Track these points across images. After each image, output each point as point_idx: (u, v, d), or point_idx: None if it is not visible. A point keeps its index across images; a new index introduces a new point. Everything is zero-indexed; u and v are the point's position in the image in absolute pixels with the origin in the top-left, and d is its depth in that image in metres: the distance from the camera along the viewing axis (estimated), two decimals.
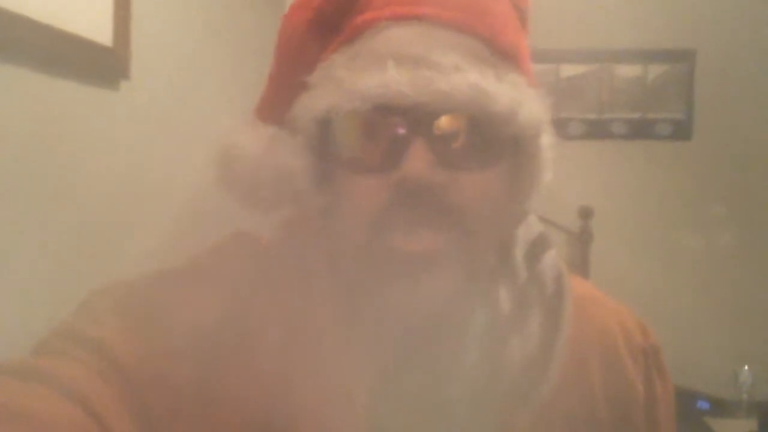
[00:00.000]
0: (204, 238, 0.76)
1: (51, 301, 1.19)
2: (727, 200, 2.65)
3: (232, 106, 1.99)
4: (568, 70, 2.71)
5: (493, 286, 0.71)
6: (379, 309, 0.65)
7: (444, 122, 0.60)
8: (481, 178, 0.63)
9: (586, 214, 2.66)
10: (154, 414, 0.59)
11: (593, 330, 0.74)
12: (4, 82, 1.15)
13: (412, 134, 0.60)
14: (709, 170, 2.68)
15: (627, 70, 2.73)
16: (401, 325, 0.65)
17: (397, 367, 0.66)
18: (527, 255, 0.74)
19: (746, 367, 2.44)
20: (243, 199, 0.70)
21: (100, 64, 1.42)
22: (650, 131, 2.73)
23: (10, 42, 1.14)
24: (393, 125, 0.60)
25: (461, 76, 0.59)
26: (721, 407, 2.43)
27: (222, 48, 2.08)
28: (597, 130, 2.72)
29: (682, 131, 2.72)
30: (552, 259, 0.74)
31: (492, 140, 0.63)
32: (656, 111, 2.73)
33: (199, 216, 1.78)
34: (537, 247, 0.75)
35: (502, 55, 0.64)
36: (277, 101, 0.69)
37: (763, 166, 2.67)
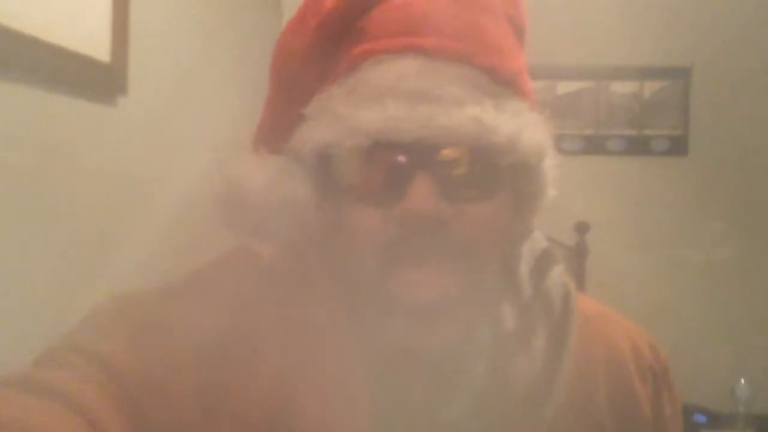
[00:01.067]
0: (200, 250, 0.76)
1: (49, 306, 1.19)
2: (723, 215, 2.65)
3: (229, 122, 2.00)
4: (565, 87, 2.73)
5: (498, 304, 0.71)
6: (379, 346, 0.64)
7: (446, 155, 0.60)
8: (485, 208, 0.62)
9: (582, 229, 2.66)
10: (158, 427, 0.59)
11: (601, 348, 0.73)
12: (2, 97, 1.15)
13: (414, 168, 0.59)
14: (706, 185, 2.69)
15: (623, 87, 2.75)
16: (407, 360, 0.65)
17: (401, 384, 0.66)
18: (532, 272, 0.73)
19: (743, 381, 2.44)
20: (248, 231, 0.68)
21: (98, 80, 1.42)
22: (647, 147, 2.74)
23: (7, 57, 1.15)
24: (395, 159, 0.60)
25: (461, 111, 0.59)
26: (717, 421, 2.42)
27: (219, 64, 2.09)
28: (594, 146, 2.73)
29: (678, 147, 2.73)
30: (559, 276, 0.73)
31: (494, 169, 0.62)
32: (652, 127, 2.74)
33: (195, 229, 1.78)
34: (542, 264, 0.74)
35: (502, 83, 0.64)
36: (276, 130, 0.68)
37: (759, 181, 2.68)
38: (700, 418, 2.41)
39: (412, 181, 0.59)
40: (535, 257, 0.74)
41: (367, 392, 0.64)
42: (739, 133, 2.68)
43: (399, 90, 0.59)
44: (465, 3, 0.64)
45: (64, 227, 1.32)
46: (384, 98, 0.59)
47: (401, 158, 0.60)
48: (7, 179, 1.16)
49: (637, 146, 2.74)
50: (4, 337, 1.09)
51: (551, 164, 0.68)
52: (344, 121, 0.60)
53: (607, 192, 2.67)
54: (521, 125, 0.62)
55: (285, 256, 0.73)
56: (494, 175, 0.63)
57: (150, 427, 0.58)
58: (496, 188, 0.63)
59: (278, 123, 0.68)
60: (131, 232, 1.56)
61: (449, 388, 0.66)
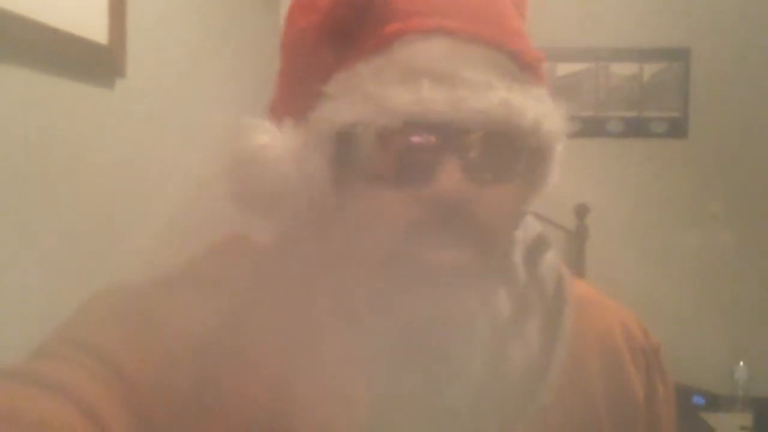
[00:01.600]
0: (199, 236, 0.76)
1: (47, 296, 1.19)
2: (722, 198, 2.66)
3: (228, 104, 1.99)
4: (565, 69, 2.72)
5: (494, 289, 0.71)
6: (398, 321, 0.63)
7: (475, 138, 0.60)
8: (503, 191, 0.63)
9: (582, 211, 2.67)
10: (155, 419, 0.59)
11: (593, 332, 0.74)
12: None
13: (443, 151, 0.59)
14: (705, 168, 2.69)
15: (623, 69, 2.74)
16: (416, 337, 0.64)
17: (399, 371, 0.66)
18: (526, 257, 0.74)
19: (742, 363, 2.45)
20: (259, 207, 0.67)
21: (96, 62, 1.42)
22: (646, 129, 2.74)
23: (5, 40, 1.14)
24: (424, 141, 0.60)
25: (493, 94, 0.59)
26: (716, 402, 2.44)
27: (218, 45, 2.08)
28: (593, 128, 2.73)
29: (677, 129, 2.73)
30: (552, 261, 0.73)
31: (515, 153, 0.63)
32: (652, 109, 2.74)
33: (195, 214, 1.78)
34: (536, 249, 0.74)
35: (526, 68, 0.64)
36: (292, 105, 0.67)
37: (758, 164, 2.68)
38: (699, 400, 2.43)
39: (441, 163, 0.59)
40: (529, 242, 0.74)
41: (365, 381, 0.64)
42: (739, 115, 2.68)
43: (431, 71, 0.59)
44: None
45: (63, 210, 1.32)
46: (417, 79, 0.59)
47: (430, 140, 0.59)
48: (4, 162, 1.16)
49: (637, 128, 2.74)
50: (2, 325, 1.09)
51: (561, 150, 0.68)
52: (375, 100, 0.59)
53: (606, 174, 2.67)
54: (544, 110, 0.63)
55: (282, 243, 0.73)
56: (516, 158, 0.63)
57: (147, 418, 0.58)
58: (515, 172, 0.64)
59: (294, 98, 0.67)
60: (130, 215, 1.55)
61: (446, 374, 0.67)
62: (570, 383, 0.69)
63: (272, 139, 0.65)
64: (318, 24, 0.65)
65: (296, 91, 0.68)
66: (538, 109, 0.62)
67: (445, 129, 0.59)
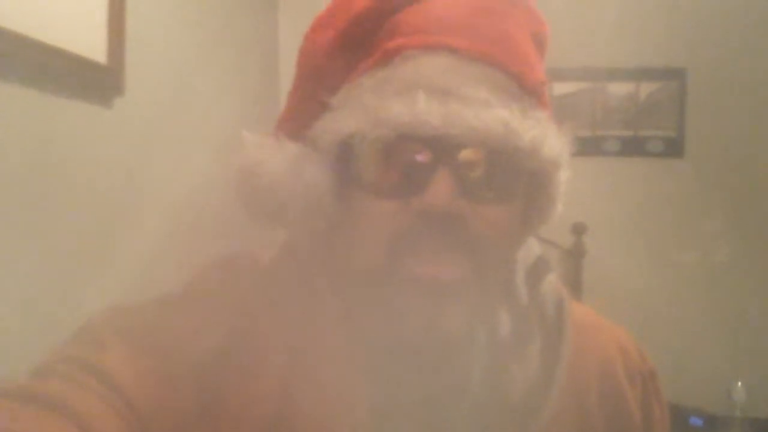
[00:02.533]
0: (199, 250, 0.76)
1: (47, 311, 1.19)
2: (719, 216, 2.66)
3: (227, 123, 2.00)
4: (561, 88, 2.73)
5: (495, 310, 0.71)
6: (390, 333, 0.64)
7: (469, 154, 0.60)
8: (500, 211, 0.63)
9: (579, 230, 2.67)
10: None
11: (593, 356, 0.74)
12: None
13: (437, 163, 0.60)
14: (701, 187, 2.70)
15: (619, 88, 2.75)
16: (411, 350, 0.65)
17: (399, 389, 0.66)
18: (527, 279, 0.74)
19: (740, 384, 2.44)
20: (265, 216, 0.68)
21: (95, 81, 1.42)
22: (642, 148, 2.74)
23: (3, 58, 1.14)
24: (418, 153, 0.60)
25: (490, 112, 0.59)
26: (714, 423, 2.42)
27: (216, 65, 2.08)
28: (590, 148, 2.73)
29: (673, 148, 2.73)
30: (552, 283, 0.74)
31: (513, 174, 0.63)
32: (648, 128, 2.75)
33: (193, 231, 1.78)
34: (537, 271, 0.74)
35: (528, 91, 0.64)
36: (299, 118, 0.68)
37: (754, 182, 2.68)
38: (697, 421, 2.42)
39: (433, 176, 0.59)
40: (529, 264, 0.74)
41: (366, 397, 0.64)
42: (735, 134, 2.68)
43: (429, 86, 0.60)
44: (495, 12, 0.65)
45: (62, 229, 1.32)
46: (414, 93, 0.59)
47: (424, 153, 0.60)
48: (4, 180, 1.16)
49: (633, 147, 2.75)
50: (5, 335, 1.09)
51: (564, 177, 0.68)
52: (371, 111, 0.60)
53: (602, 193, 2.67)
54: (544, 133, 0.63)
55: (283, 259, 0.73)
56: (513, 179, 0.63)
57: None
58: (513, 193, 0.64)
59: (301, 111, 0.68)
60: (129, 233, 1.55)
61: (447, 392, 0.66)
62: (569, 406, 0.70)
63: (270, 154, 0.67)
64: (332, 40, 0.66)
65: (305, 104, 0.68)
66: (537, 131, 0.62)
67: (440, 143, 0.59)
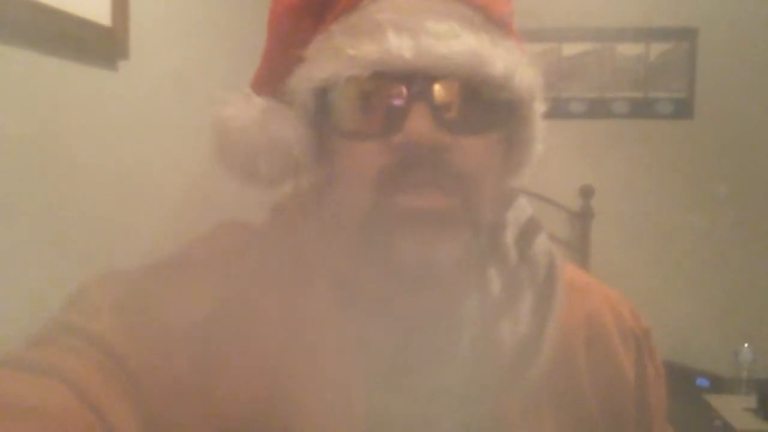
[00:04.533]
0: (202, 220, 0.76)
1: (46, 278, 1.19)
2: (728, 179, 2.65)
3: (232, 84, 1.99)
4: (570, 49, 2.70)
5: (484, 269, 0.71)
6: (383, 270, 0.64)
7: (443, 86, 0.61)
8: (479, 143, 0.63)
9: (587, 192, 2.66)
10: (151, 404, 0.59)
11: (583, 314, 0.75)
12: (2, 62, 1.14)
13: (412, 99, 0.60)
14: (711, 149, 2.68)
15: (628, 49, 2.72)
16: (406, 284, 0.65)
17: (393, 354, 0.66)
18: (518, 238, 0.74)
19: (746, 345, 2.45)
20: (238, 172, 0.70)
21: (99, 44, 1.41)
22: (652, 110, 2.73)
23: (7, 21, 1.14)
24: (393, 91, 0.61)
25: (459, 41, 0.60)
26: (720, 385, 2.44)
27: (221, 27, 2.07)
28: (598, 110, 2.71)
29: (683, 110, 2.71)
30: (543, 243, 0.74)
31: (488, 104, 0.63)
32: (658, 90, 2.72)
33: (198, 196, 1.78)
34: (528, 231, 0.75)
35: (495, 23, 0.65)
36: (272, 75, 0.69)
37: (764, 145, 2.67)
38: (703, 382, 2.43)
39: (410, 111, 0.60)
40: (521, 224, 0.75)
41: (362, 362, 0.64)
42: (746, 96, 2.66)
43: (397, 23, 0.60)
44: None
45: (65, 192, 1.32)
46: (383, 31, 0.60)
47: (399, 89, 0.60)
48: (8, 144, 1.16)
49: (643, 109, 2.73)
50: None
51: (541, 111, 0.69)
52: (343, 53, 0.61)
53: (611, 155, 2.66)
54: (515, 62, 0.63)
55: (274, 226, 0.73)
56: (489, 110, 0.64)
57: (144, 404, 0.59)
58: (490, 124, 0.64)
59: (275, 68, 0.69)
60: (134, 196, 1.55)
61: (439, 353, 0.67)
62: (559, 364, 0.70)
63: (238, 110, 0.69)
64: None
65: (277, 61, 0.69)
66: (508, 60, 0.62)
67: (414, 79, 0.60)
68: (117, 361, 0.58)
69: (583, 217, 2.68)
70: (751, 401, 2.27)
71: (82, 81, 1.37)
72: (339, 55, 0.61)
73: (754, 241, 2.64)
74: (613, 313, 0.76)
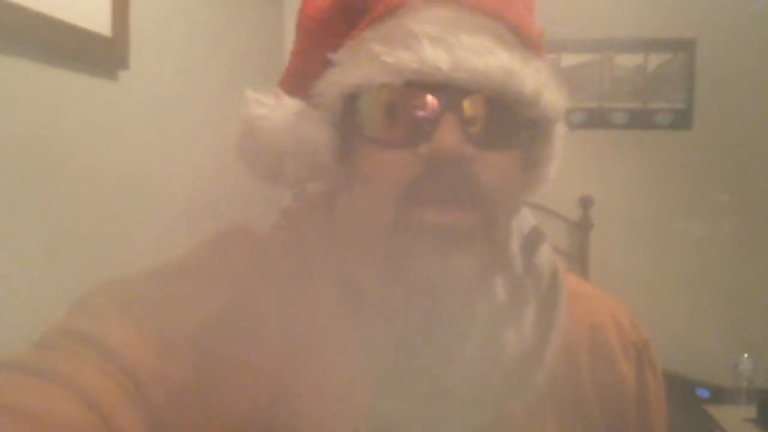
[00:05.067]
0: (203, 228, 0.76)
1: (47, 287, 1.19)
2: (727, 189, 2.65)
3: (232, 94, 1.99)
4: (569, 60, 2.71)
5: (490, 277, 0.72)
6: (402, 284, 0.64)
7: (473, 100, 0.61)
8: (502, 159, 0.63)
9: (586, 203, 2.67)
10: (156, 410, 0.59)
11: (585, 324, 0.75)
12: (3, 72, 1.15)
13: (443, 111, 0.60)
14: (710, 159, 2.68)
15: (627, 60, 2.73)
16: (426, 300, 0.65)
17: (398, 358, 0.66)
18: (522, 248, 0.75)
19: (746, 355, 2.45)
20: (262, 171, 0.70)
21: (99, 54, 1.41)
22: (651, 121, 2.73)
23: (8, 32, 1.14)
24: (423, 101, 0.61)
25: (493, 57, 0.60)
26: (720, 395, 2.43)
27: (222, 37, 2.07)
28: (597, 120, 2.72)
29: (682, 120, 2.72)
30: (546, 253, 0.75)
31: (514, 122, 0.64)
32: (657, 100, 2.73)
33: (199, 204, 1.78)
34: (531, 241, 0.75)
35: (525, 42, 0.65)
36: (301, 77, 0.69)
37: (763, 155, 2.67)
38: (703, 393, 2.43)
39: (440, 123, 0.60)
40: (524, 234, 0.75)
41: (366, 367, 0.64)
42: (744, 106, 2.67)
43: (434, 34, 0.60)
44: None
45: (66, 202, 1.32)
46: (419, 41, 0.60)
47: (430, 100, 0.61)
48: (7, 153, 1.16)
49: (642, 120, 2.73)
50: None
51: (561, 132, 0.70)
52: (378, 60, 0.61)
53: (610, 166, 2.67)
54: (544, 82, 0.64)
55: (282, 232, 0.73)
56: (515, 126, 0.64)
57: (150, 409, 0.58)
58: (514, 141, 0.65)
59: (304, 70, 0.69)
60: (135, 206, 1.56)
61: (444, 357, 0.67)
62: (563, 371, 0.71)
63: (269, 111, 0.68)
64: (333, 1, 0.68)
65: (307, 63, 0.69)
66: (538, 79, 0.63)
67: (446, 90, 0.60)
68: (122, 366, 0.58)
69: (582, 227, 2.68)
70: (752, 411, 2.26)
71: (83, 91, 1.38)
72: (373, 61, 0.61)
73: (754, 251, 2.63)
74: (614, 323, 0.77)
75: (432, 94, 0.60)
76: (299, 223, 0.72)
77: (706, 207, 2.66)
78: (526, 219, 0.77)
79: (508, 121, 0.63)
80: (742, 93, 2.67)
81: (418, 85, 0.60)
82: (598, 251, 2.67)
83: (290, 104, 0.68)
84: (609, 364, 0.74)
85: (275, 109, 0.68)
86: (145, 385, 0.58)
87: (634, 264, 2.58)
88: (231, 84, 2.01)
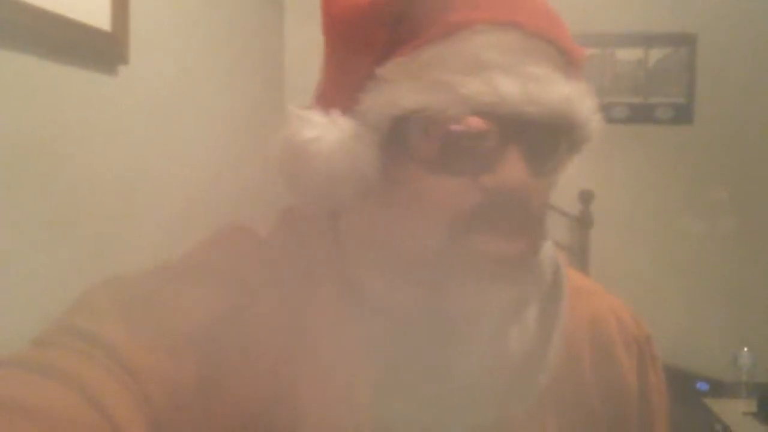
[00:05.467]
0: (202, 225, 0.76)
1: (48, 285, 1.19)
2: (727, 184, 2.65)
3: (232, 89, 1.99)
4: None
5: (528, 304, 0.71)
6: (445, 309, 0.63)
7: (537, 131, 0.60)
8: (548, 182, 0.63)
9: (586, 198, 2.66)
10: (157, 409, 0.59)
11: (587, 321, 0.75)
12: (2, 67, 1.14)
13: (507, 141, 0.59)
14: (710, 154, 2.68)
15: (628, 54, 2.73)
16: (442, 323, 0.65)
17: (400, 360, 0.66)
18: None
19: (746, 349, 2.45)
20: (311, 196, 0.66)
21: (99, 49, 1.41)
22: (651, 115, 2.73)
23: (7, 26, 1.14)
24: (490, 131, 0.59)
25: (557, 87, 0.60)
26: (720, 388, 2.44)
27: (222, 32, 2.07)
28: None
29: (683, 115, 2.71)
30: (549, 249, 0.74)
31: (563, 146, 0.64)
32: (657, 95, 2.73)
33: (199, 201, 1.78)
34: None
35: (573, 64, 0.65)
36: (342, 91, 0.65)
37: (763, 150, 2.67)
38: (703, 386, 2.43)
39: (505, 155, 0.59)
40: None
41: (369, 369, 0.64)
42: (745, 101, 2.66)
43: (501, 63, 0.59)
44: None
45: (66, 197, 1.32)
46: (488, 69, 0.58)
47: (494, 130, 0.59)
48: (7, 148, 1.16)
49: (642, 114, 2.73)
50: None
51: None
52: (444, 87, 0.59)
53: (611, 160, 2.66)
54: (591, 108, 0.64)
55: (284, 233, 0.73)
56: (563, 150, 0.64)
57: (151, 408, 0.58)
58: (560, 165, 0.64)
59: (344, 83, 0.66)
60: (133, 201, 1.56)
61: (446, 358, 0.67)
62: (564, 369, 0.70)
63: (322, 132, 0.63)
64: (369, 3, 0.63)
65: (348, 75, 0.66)
66: (589, 105, 0.63)
67: (510, 120, 0.59)
68: (123, 364, 0.58)
69: (582, 222, 2.68)
70: (752, 405, 2.26)
71: (83, 86, 1.38)
72: (436, 87, 0.59)
73: (754, 246, 2.64)
74: (615, 319, 0.76)
75: (497, 124, 0.59)
76: (300, 224, 0.72)
77: (706, 202, 2.65)
78: None
79: (559, 146, 0.63)
80: (742, 88, 2.66)
81: (486, 114, 0.58)
82: (598, 246, 2.67)
83: (344, 125, 0.64)
84: (610, 359, 0.74)
85: (329, 129, 0.64)
86: (145, 383, 0.58)
87: (634, 258, 2.58)
88: (231, 80, 2.00)
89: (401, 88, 0.61)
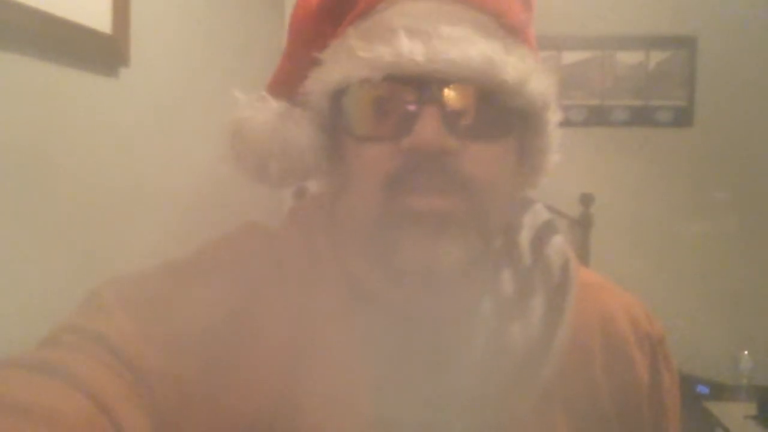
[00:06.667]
0: (204, 226, 0.76)
1: (48, 289, 1.19)
2: (727, 187, 2.64)
3: (232, 92, 1.99)
4: (570, 57, 2.70)
5: (497, 270, 0.71)
6: (392, 270, 0.65)
7: (454, 91, 0.61)
8: (490, 150, 0.63)
9: (586, 200, 2.66)
10: (162, 408, 0.59)
11: (597, 317, 0.74)
12: (3, 69, 1.14)
13: (423, 104, 0.60)
14: (710, 157, 2.68)
15: (629, 57, 2.72)
16: (415, 290, 0.66)
17: (403, 355, 0.66)
18: (533, 240, 0.74)
19: (746, 352, 2.45)
20: (250, 172, 0.71)
21: (100, 52, 1.41)
22: (651, 118, 2.72)
23: (9, 29, 1.14)
24: (404, 95, 0.61)
25: (472, 46, 0.60)
26: (720, 392, 2.43)
27: (222, 35, 2.07)
28: (598, 117, 2.71)
29: (683, 118, 2.71)
30: (559, 244, 0.74)
31: (500, 112, 0.64)
32: (658, 98, 2.72)
33: (201, 202, 1.78)
34: (543, 232, 0.75)
35: (509, 30, 0.65)
36: (289, 78, 0.70)
37: (764, 153, 2.66)
38: (703, 390, 2.43)
39: (420, 115, 0.60)
40: (537, 227, 0.75)
41: (371, 366, 0.64)
42: (745, 104, 2.66)
43: (411, 27, 0.61)
44: None
45: (66, 200, 1.32)
46: (396, 34, 0.60)
47: (411, 93, 0.61)
48: (9, 149, 1.16)
49: (642, 117, 2.73)
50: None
51: (555, 120, 0.70)
52: (357, 55, 0.62)
53: (611, 163, 2.66)
54: (528, 70, 0.64)
55: (289, 231, 0.73)
56: (501, 117, 0.64)
57: (157, 406, 0.59)
58: (502, 131, 0.65)
59: (292, 71, 0.71)
60: (134, 204, 1.55)
61: (450, 355, 0.67)
62: (572, 367, 0.70)
63: (254, 113, 0.69)
64: (320, 2, 0.69)
65: (295, 64, 0.70)
66: (522, 67, 0.63)
67: (426, 83, 0.60)
68: (128, 364, 0.58)
69: (582, 225, 2.68)
70: (752, 408, 2.26)
71: (83, 88, 1.38)
72: (351, 57, 0.62)
73: (754, 249, 2.63)
74: (628, 316, 0.76)
75: (412, 87, 0.61)
76: (306, 222, 0.73)
77: (706, 204, 2.65)
78: (540, 213, 0.77)
79: (494, 110, 0.63)
80: (743, 91, 2.66)
81: (398, 79, 0.60)
82: (599, 248, 2.67)
83: (275, 106, 0.70)
84: (622, 357, 0.74)
85: (261, 110, 0.70)
86: (150, 383, 0.59)
87: (634, 260, 2.58)
88: (231, 81, 2.00)
89: (330, 66, 0.65)
